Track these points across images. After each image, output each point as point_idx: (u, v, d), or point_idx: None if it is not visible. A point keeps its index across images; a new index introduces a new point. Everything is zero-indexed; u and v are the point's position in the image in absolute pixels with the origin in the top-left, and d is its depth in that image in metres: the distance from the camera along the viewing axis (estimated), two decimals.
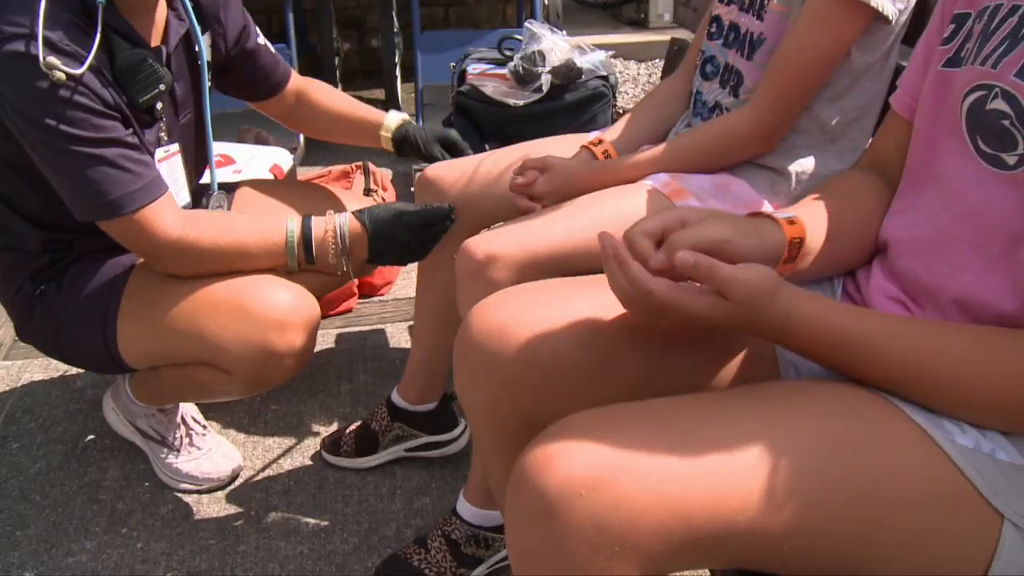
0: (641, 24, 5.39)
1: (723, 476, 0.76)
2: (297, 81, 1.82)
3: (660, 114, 1.59)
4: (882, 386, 0.84)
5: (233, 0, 1.63)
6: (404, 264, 1.70)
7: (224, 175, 2.31)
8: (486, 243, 1.30)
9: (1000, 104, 0.84)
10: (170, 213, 1.40)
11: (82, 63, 1.25)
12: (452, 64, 2.23)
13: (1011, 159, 0.83)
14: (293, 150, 2.55)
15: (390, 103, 3.94)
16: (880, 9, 1.28)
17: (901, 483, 0.79)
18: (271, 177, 2.36)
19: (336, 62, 3.82)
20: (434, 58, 3.41)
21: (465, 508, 1.48)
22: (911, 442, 0.81)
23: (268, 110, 1.83)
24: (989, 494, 0.80)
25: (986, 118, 0.86)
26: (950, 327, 0.87)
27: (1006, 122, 0.83)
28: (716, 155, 1.41)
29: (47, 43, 1.22)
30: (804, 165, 1.41)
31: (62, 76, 1.22)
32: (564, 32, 3.62)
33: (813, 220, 0.99)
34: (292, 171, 2.49)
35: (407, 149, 1.73)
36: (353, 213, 1.50)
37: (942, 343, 0.82)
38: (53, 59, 1.22)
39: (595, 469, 0.75)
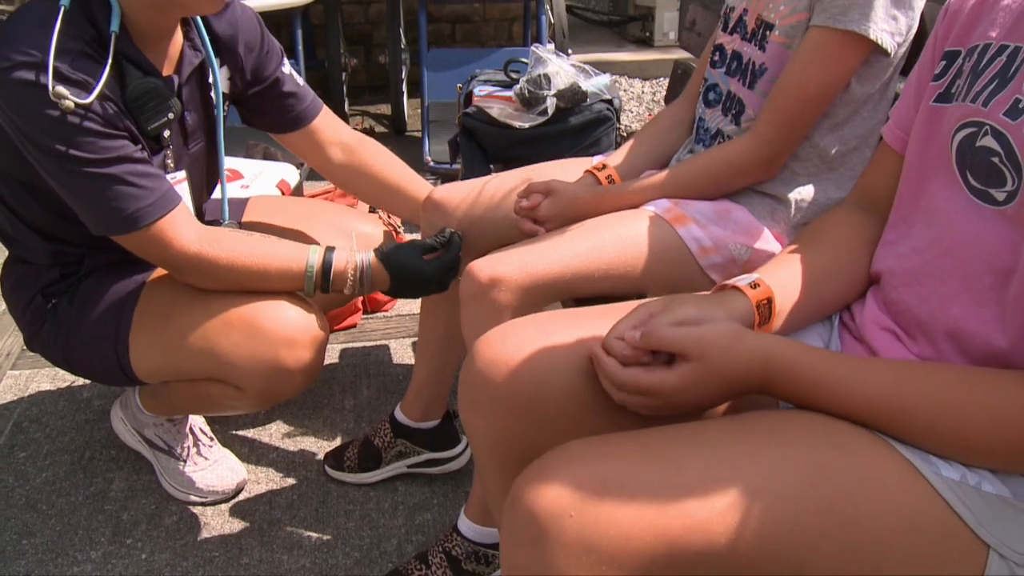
0: (646, 42, 5.43)
1: (707, 503, 0.78)
2: (333, 128, 1.78)
3: (663, 140, 1.62)
4: (865, 425, 0.87)
5: (255, 40, 1.63)
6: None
7: (232, 189, 2.34)
8: (490, 266, 1.33)
9: (990, 141, 0.87)
10: (188, 227, 1.42)
11: (91, 91, 1.28)
12: (459, 85, 2.26)
13: (1000, 195, 0.86)
14: (300, 165, 2.58)
15: (396, 119, 3.98)
16: (879, 42, 1.30)
17: (886, 514, 0.81)
18: (278, 193, 2.39)
19: (343, 77, 3.86)
20: (440, 75, 3.45)
21: (466, 525, 1.51)
22: (897, 474, 0.83)
23: (294, 147, 1.80)
24: (975, 525, 0.82)
25: (976, 155, 0.88)
26: (929, 369, 0.89)
27: (995, 159, 0.86)
28: (717, 182, 1.44)
29: (57, 72, 1.25)
30: (804, 193, 1.44)
31: (70, 105, 1.25)
32: (570, 51, 3.67)
33: (784, 277, 1.03)
34: (299, 186, 2.52)
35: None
36: (376, 255, 1.52)
37: (919, 386, 0.85)
38: (61, 89, 1.24)
39: (585, 493, 0.78)
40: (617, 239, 1.37)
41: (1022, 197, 0.83)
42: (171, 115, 1.43)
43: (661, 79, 4.84)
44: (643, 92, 4.71)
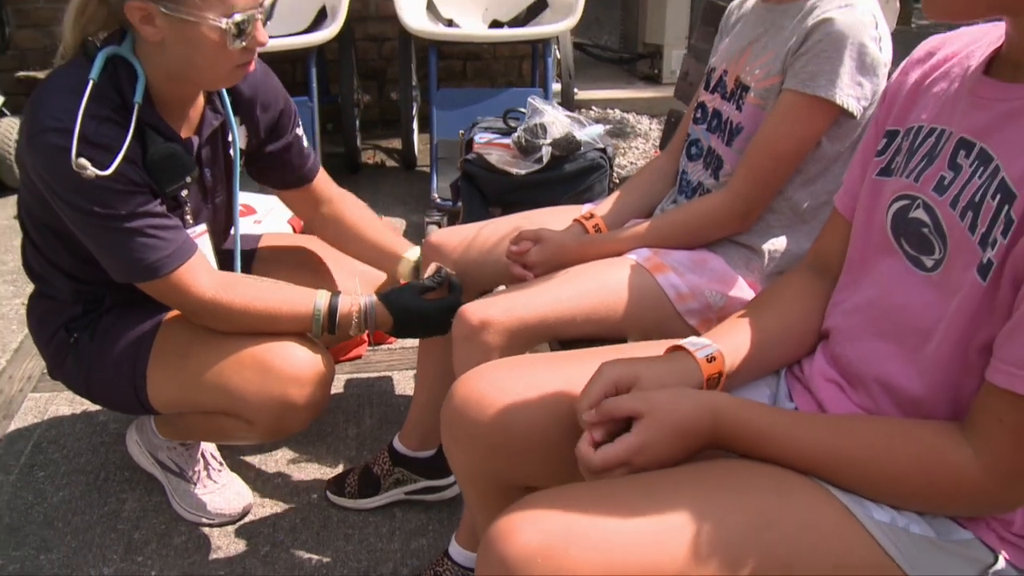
0: (655, 80, 5.53)
1: (661, 547, 0.87)
2: (326, 186, 1.90)
3: (648, 191, 1.73)
4: (805, 473, 0.96)
5: (273, 102, 1.74)
6: None
7: (245, 224, 2.46)
8: (480, 310, 1.43)
9: (921, 214, 0.97)
10: (204, 274, 1.54)
11: (114, 155, 1.39)
12: (461, 131, 2.38)
13: (929, 262, 0.96)
14: None
15: (406, 153, 4.10)
16: (845, 107, 1.41)
17: (823, 555, 0.90)
18: (289, 228, 2.50)
19: (356, 112, 3.98)
20: (449, 114, 3.56)
21: (456, 550, 1.60)
22: (833, 518, 0.92)
23: (291, 202, 1.93)
24: (906, 566, 0.91)
25: (909, 225, 0.99)
26: (859, 421, 1.00)
27: (925, 230, 0.96)
28: (695, 233, 1.54)
29: (82, 137, 1.36)
30: (777, 244, 1.54)
31: (91, 175, 1.37)
32: (576, 89, 3.78)
33: (738, 342, 1.13)
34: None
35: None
36: (379, 299, 1.63)
37: (850, 437, 0.95)
38: (83, 160, 1.36)
39: (550, 539, 0.87)
40: (600, 286, 1.47)
41: (946, 265, 0.93)
42: (188, 179, 1.55)
43: None
44: (650, 129, 4.82)
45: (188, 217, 1.63)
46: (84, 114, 1.37)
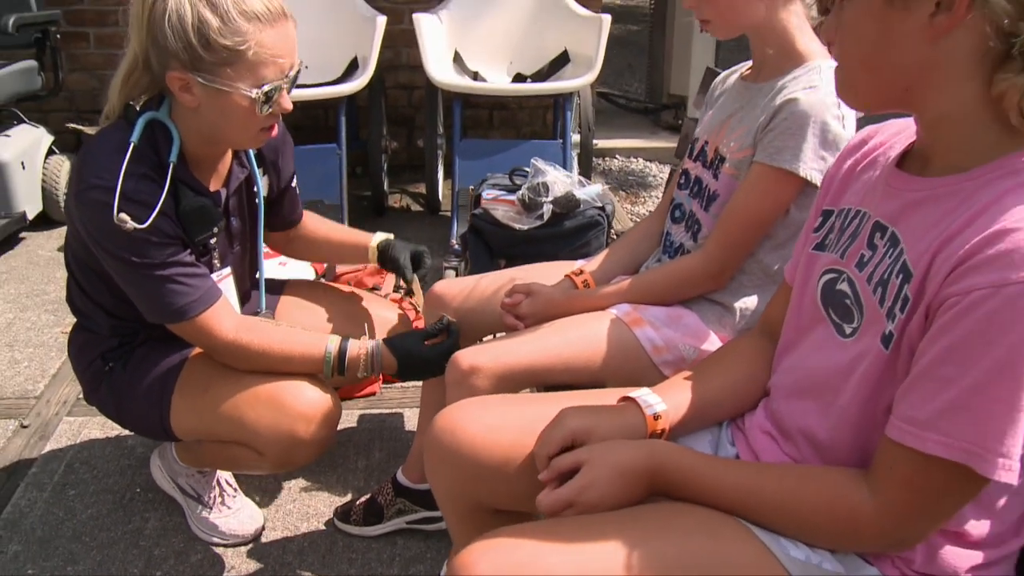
0: (678, 129, 5.67)
1: None
2: (315, 220, 2.13)
3: (635, 250, 1.87)
4: (731, 513, 1.09)
5: (287, 148, 1.93)
6: None
7: (271, 266, 2.62)
8: (471, 356, 1.58)
9: (845, 286, 1.11)
10: (226, 318, 1.70)
11: (151, 209, 1.56)
12: (471, 187, 2.54)
13: (848, 329, 1.09)
14: None
15: (430, 199, 4.27)
16: (808, 179, 1.54)
17: None
18: (312, 271, 2.67)
19: (383, 159, 4.15)
20: (471, 164, 3.71)
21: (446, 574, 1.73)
22: (753, 555, 1.05)
23: (280, 240, 2.15)
24: None
25: (835, 296, 1.12)
26: (778, 467, 1.13)
27: (847, 301, 1.10)
28: (671, 291, 1.68)
29: (123, 194, 1.53)
30: (748, 302, 1.67)
31: (131, 228, 1.54)
32: (596, 142, 3.93)
33: (678, 403, 1.27)
34: (331, 266, 2.80)
35: (386, 261, 2.04)
36: (385, 344, 1.79)
37: (770, 482, 1.09)
38: (124, 215, 1.53)
39: (503, 572, 1.01)
40: (581, 337, 1.62)
41: (860, 333, 1.06)
42: (216, 229, 1.72)
43: None
44: None
45: (216, 261, 1.79)
46: (125, 173, 1.54)
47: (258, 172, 1.83)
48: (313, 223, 2.13)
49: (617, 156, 5.58)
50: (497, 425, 1.30)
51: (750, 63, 1.72)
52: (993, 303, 0.86)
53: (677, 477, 1.12)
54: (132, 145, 1.57)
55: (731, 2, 1.58)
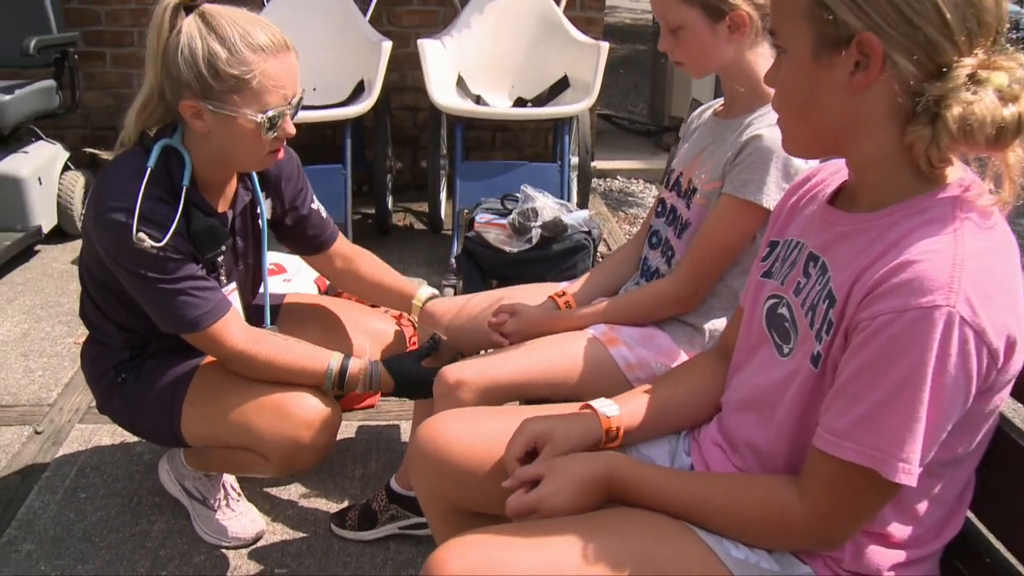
0: None
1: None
2: (344, 246, 2.21)
3: (615, 273, 1.99)
4: (677, 517, 1.21)
5: (293, 174, 2.04)
6: None
7: (275, 282, 2.75)
8: (457, 371, 1.70)
9: (784, 310, 1.22)
10: (237, 329, 1.82)
11: (166, 229, 1.69)
12: (465, 211, 2.67)
13: (786, 349, 1.21)
14: None
15: (433, 218, 4.39)
16: (771, 209, 1.65)
17: None
18: (315, 287, 2.79)
19: (387, 179, 4.27)
20: (472, 185, 3.84)
21: None
22: (699, 555, 1.16)
23: (316, 266, 2.26)
24: None
25: (776, 319, 1.24)
26: (720, 476, 1.26)
27: (787, 324, 1.21)
28: (645, 313, 1.80)
29: (141, 216, 1.66)
30: (717, 324, 1.79)
31: (148, 246, 1.67)
32: (595, 164, 4.04)
33: (633, 410, 1.39)
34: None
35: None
36: (384, 365, 1.92)
37: (713, 488, 1.21)
38: (142, 234, 1.66)
39: (472, 570, 1.13)
40: (561, 355, 1.74)
41: (795, 353, 1.18)
42: (223, 247, 1.84)
43: None
44: None
45: (222, 277, 1.92)
46: (143, 196, 1.67)
47: (261, 196, 1.96)
48: (367, 264, 2.23)
49: (618, 177, 5.70)
50: (475, 434, 1.43)
51: (723, 100, 1.84)
52: (896, 326, 0.98)
53: (630, 486, 1.24)
54: (149, 170, 1.70)
55: (702, 46, 1.70)
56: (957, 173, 1.08)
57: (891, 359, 0.99)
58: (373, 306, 2.74)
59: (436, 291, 2.19)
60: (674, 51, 1.74)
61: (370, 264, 2.24)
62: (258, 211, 1.98)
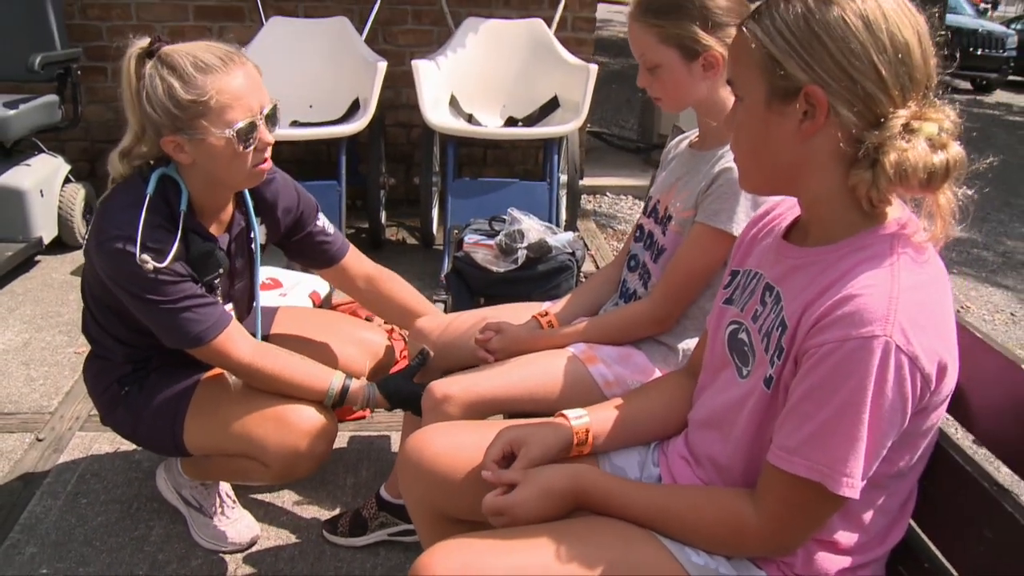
0: None
1: None
2: (359, 263, 2.30)
3: (596, 294, 2.10)
4: (642, 526, 1.31)
5: (292, 205, 2.13)
6: None
7: (272, 296, 2.85)
8: (444, 386, 1.80)
9: (744, 336, 1.33)
10: (241, 341, 1.92)
11: (165, 255, 1.78)
12: (455, 230, 2.77)
13: (745, 371, 1.31)
14: None
15: (425, 233, 4.49)
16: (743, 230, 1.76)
17: None
18: (310, 302, 2.89)
19: (381, 194, 4.36)
20: (464, 202, 3.95)
21: None
22: (662, 562, 1.26)
23: (329, 279, 2.36)
24: None
25: (737, 344, 1.35)
26: (681, 488, 1.37)
27: (746, 348, 1.32)
28: (622, 333, 1.90)
29: (142, 242, 1.75)
30: (690, 344, 1.89)
31: (151, 268, 1.76)
32: (582, 180, 4.13)
33: (602, 418, 1.51)
34: (328, 297, 3.02)
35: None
36: (379, 387, 2.03)
37: (675, 499, 1.31)
38: (145, 256, 1.75)
39: (458, 570, 1.23)
40: (542, 372, 1.84)
41: (751, 375, 1.29)
42: (221, 270, 1.94)
43: None
44: None
45: (219, 298, 2.01)
46: (143, 224, 1.76)
47: (256, 221, 2.06)
48: (391, 285, 2.32)
49: (607, 194, 5.81)
50: (460, 446, 1.54)
51: (697, 132, 1.95)
52: (839, 354, 1.09)
53: (598, 497, 1.34)
54: (148, 197, 1.78)
55: (677, 84, 1.81)
56: (896, 212, 1.19)
57: (835, 384, 1.09)
58: (367, 318, 2.85)
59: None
60: (651, 87, 1.85)
61: (393, 285, 2.33)
62: (251, 235, 2.08)
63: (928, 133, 1.11)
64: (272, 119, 1.85)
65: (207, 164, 1.81)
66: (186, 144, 1.77)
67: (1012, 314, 4.58)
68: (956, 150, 1.12)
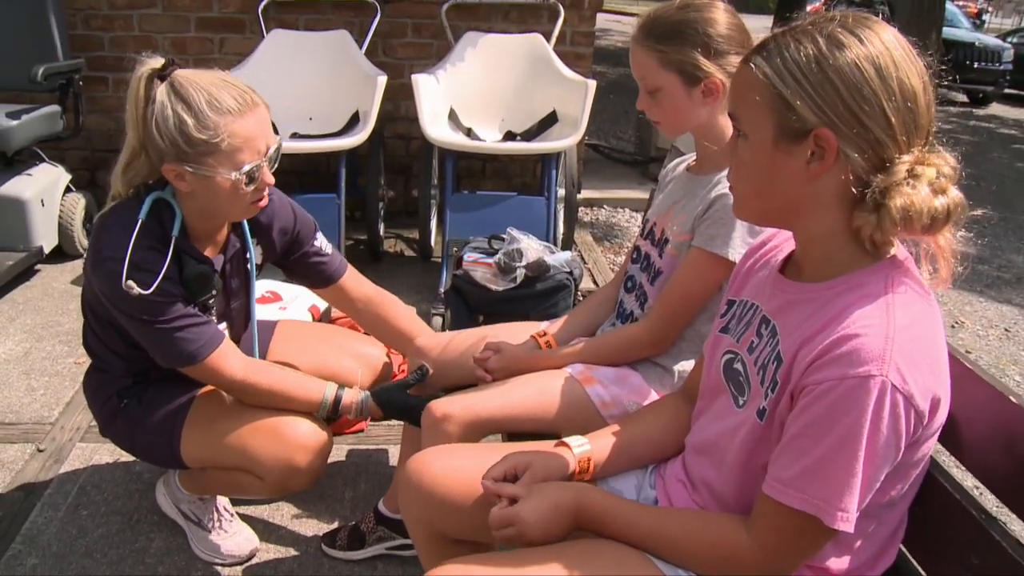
0: None
1: None
2: (358, 285, 2.29)
3: (593, 314, 2.13)
4: (637, 547, 1.34)
5: (289, 226, 2.15)
6: None
7: (271, 310, 2.88)
8: (444, 405, 1.83)
9: (739, 366, 1.36)
10: (234, 359, 1.94)
11: (156, 276, 1.79)
12: (455, 248, 2.80)
13: (741, 401, 1.35)
14: None
15: (423, 246, 4.53)
16: (736, 262, 1.79)
17: None
18: (309, 315, 2.92)
19: (379, 207, 4.39)
20: (462, 216, 3.98)
21: None
22: None
23: (327, 298, 2.36)
24: None
25: (732, 373, 1.38)
26: (678, 512, 1.39)
27: (741, 378, 1.35)
28: (619, 354, 1.94)
29: (131, 264, 1.77)
30: (686, 365, 1.92)
31: (137, 293, 1.77)
32: (579, 194, 4.16)
33: (602, 446, 1.54)
34: (328, 311, 3.05)
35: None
36: (372, 396, 2.05)
37: (670, 523, 1.34)
38: (131, 282, 1.76)
39: None
40: (540, 392, 1.87)
41: (746, 405, 1.32)
42: (214, 292, 1.97)
43: None
44: None
45: (213, 319, 2.04)
46: (134, 246, 1.78)
47: (251, 243, 2.09)
48: (389, 309, 2.31)
49: (604, 207, 5.84)
50: (459, 468, 1.57)
51: (695, 155, 1.98)
52: (837, 392, 1.12)
53: (597, 515, 1.37)
54: (140, 221, 1.80)
55: (677, 108, 1.84)
56: (891, 249, 1.23)
57: (833, 420, 1.13)
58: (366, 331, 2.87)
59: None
60: (651, 111, 1.88)
61: (390, 308, 2.32)
62: (247, 256, 2.11)
63: (930, 178, 1.14)
64: (274, 158, 1.87)
65: (206, 197, 1.83)
66: (188, 175, 1.78)
67: (1006, 329, 4.61)
68: (956, 194, 1.15)
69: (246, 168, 1.78)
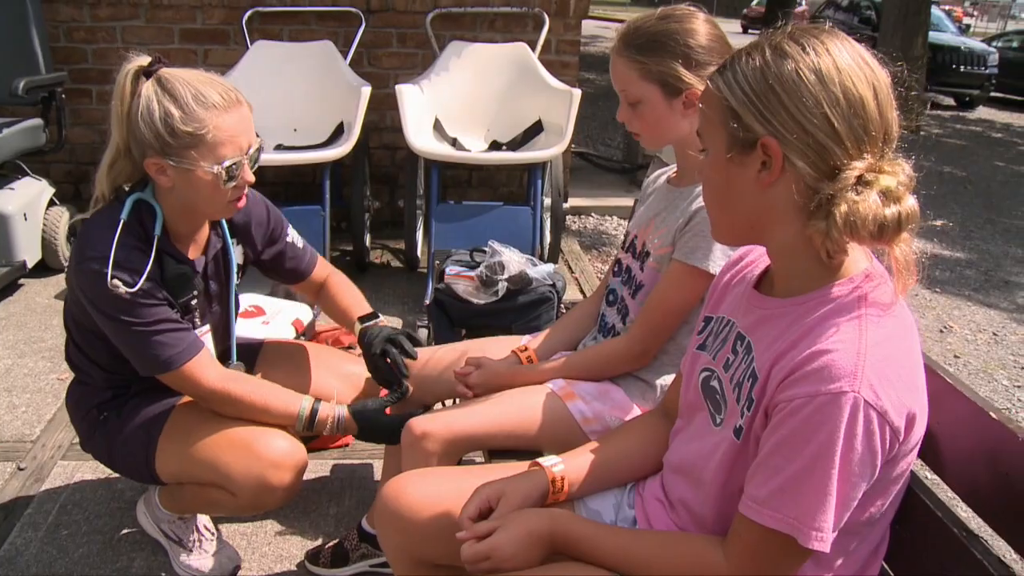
0: None
1: None
2: (324, 270, 2.34)
3: (575, 328, 2.11)
4: (612, 571, 1.32)
5: (263, 219, 2.16)
6: None
7: (254, 324, 2.86)
8: (424, 423, 1.81)
9: (716, 383, 1.35)
10: (210, 368, 1.94)
11: (139, 275, 1.80)
12: (437, 261, 2.79)
13: (719, 419, 1.33)
14: (313, 306, 3.10)
15: (409, 256, 4.51)
16: (716, 275, 1.78)
17: None
18: (293, 329, 2.90)
19: (365, 218, 4.37)
20: (448, 227, 3.96)
21: None
22: None
23: (302, 291, 2.39)
24: None
25: (709, 391, 1.36)
26: (652, 533, 1.38)
27: (718, 396, 1.34)
28: (601, 369, 1.92)
29: (115, 263, 1.78)
30: (667, 379, 1.90)
31: (123, 292, 1.78)
32: (566, 203, 4.15)
33: (577, 465, 1.52)
34: (311, 324, 3.04)
35: (363, 346, 2.16)
36: (349, 410, 2.04)
37: (646, 545, 1.32)
38: (116, 281, 1.77)
39: None
40: (521, 408, 1.85)
41: (723, 423, 1.30)
42: (195, 292, 1.96)
43: None
44: None
45: (196, 320, 2.03)
46: (117, 244, 1.79)
47: (232, 242, 2.09)
48: (336, 286, 2.34)
49: (592, 215, 5.83)
50: (437, 494, 1.55)
51: (675, 168, 1.97)
52: (808, 409, 1.11)
53: (571, 541, 1.35)
54: (122, 222, 1.82)
55: (657, 120, 1.83)
56: (862, 263, 1.21)
57: (805, 438, 1.11)
58: (350, 346, 2.86)
59: (378, 319, 2.22)
60: (632, 122, 1.87)
61: (339, 289, 2.35)
62: (228, 257, 2.10)
63: (882, 186, 1.12)
64: (255, 158, 1.89)
65: (186, 191, 1.85)
66: (170, 169, 1.80)
67: (994, 333, 4.61)
68: (910, 204, 1.13)
69: (227, 163, 1.80)
